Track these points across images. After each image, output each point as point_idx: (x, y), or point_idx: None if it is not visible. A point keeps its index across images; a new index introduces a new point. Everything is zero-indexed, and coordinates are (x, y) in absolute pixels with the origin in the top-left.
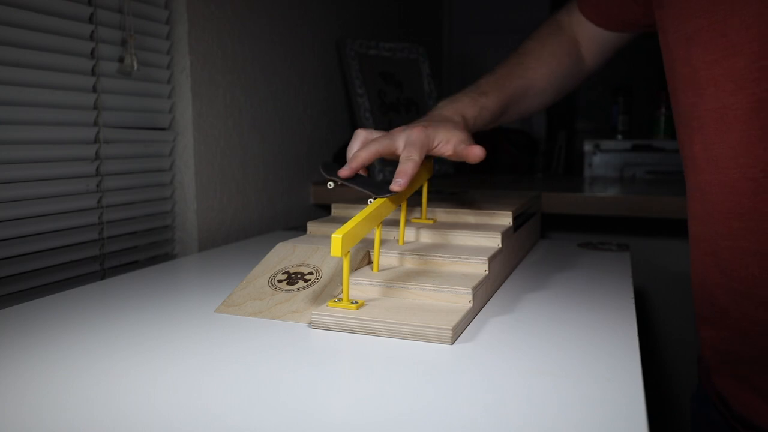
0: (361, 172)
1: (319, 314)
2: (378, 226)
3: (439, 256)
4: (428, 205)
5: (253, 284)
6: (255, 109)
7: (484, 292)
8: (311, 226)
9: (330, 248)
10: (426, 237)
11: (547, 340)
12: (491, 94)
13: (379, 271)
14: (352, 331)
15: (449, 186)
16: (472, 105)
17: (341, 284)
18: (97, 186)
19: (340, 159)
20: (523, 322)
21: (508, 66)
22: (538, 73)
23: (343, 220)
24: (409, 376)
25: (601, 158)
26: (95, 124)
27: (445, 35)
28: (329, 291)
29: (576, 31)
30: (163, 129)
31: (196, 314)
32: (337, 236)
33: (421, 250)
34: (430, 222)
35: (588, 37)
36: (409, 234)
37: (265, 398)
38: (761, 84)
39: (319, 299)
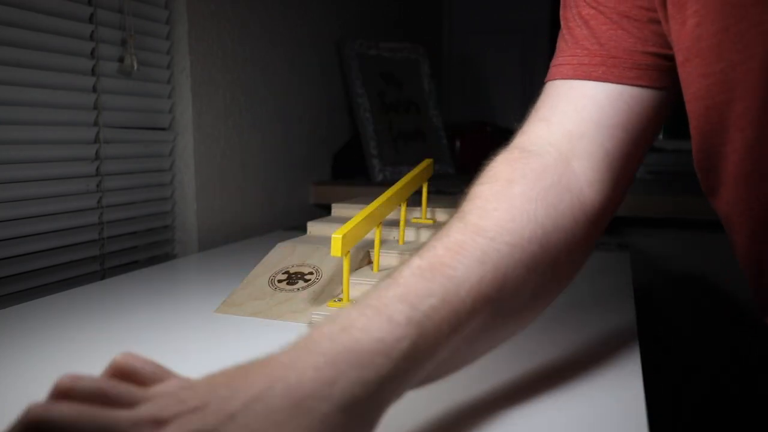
0: None
1: (319, 314)
2: (378, 226)
3: None
4: (428, 205)
5: (253, 284)
6: (255, 109)
7: None
8: (311, 226)
9: (330, 248)
10: (426, 237)
11: (546, 340)
12: (434, 309)
13: (379, 271)
14: None
15: (449, 186)
16: (385, 351)
17: (341, 284)
18: (97, 186)
19: (340, 159)
20: None
21: (448, 244)
22: (507, 246)
23: (343, 220)
24: None
25: None
26: (95, 124)
27: (445, 35)
28: (329, 291)
29: (557, 137)
30: (163, 129)
31: (196, 314)
32: (337, 236)
33: None
34: (430, 222)
35: (584, 128)
36: (409, 234)
37: None
38: None
39: (319, 299)
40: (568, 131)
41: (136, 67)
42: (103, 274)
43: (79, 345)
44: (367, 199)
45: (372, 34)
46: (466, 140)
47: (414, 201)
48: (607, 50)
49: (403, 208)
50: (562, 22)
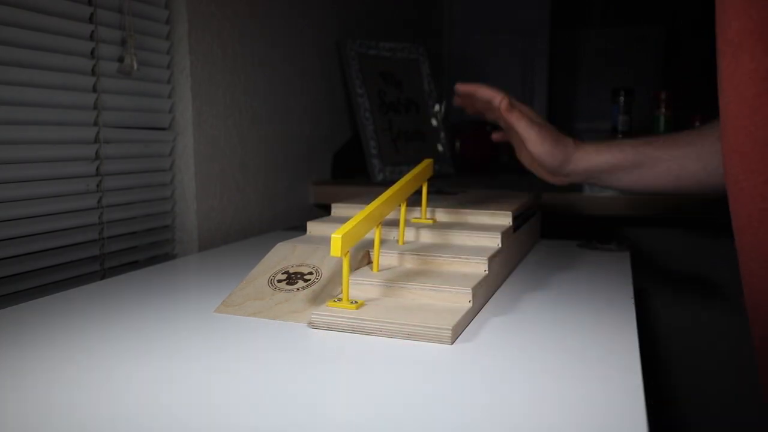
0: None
1: (318, 314)
2: (378, 226)
3: (439, 256)
4: (428, 205)
5: (252, 284)
6: (255, 109)
7: (484, 292)
8: (311, 226)
9: (330, 248)
10: (426, 237)
11: (547, 340)
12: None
13: (378, 271)
14: (352, 331)
15: (449, 186)
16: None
17: (341, 284)
18: (97, 186)
19: (340, 159)
20: (523, 322)
21: None
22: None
23: (343, 220)
24: (409, 376)
25: None
26: (95, 124)
27: (445, 35)
28: (329, 291)
29: None
30: (163, 129)
31: (195, 314)
32: (337, 236)
33: (421, 250)
34: (430, 222)
35: None
36: (409, 234)
37: (265, 398)
38: None
39: (318, 299)
40: None
41: (136, 67)
42: (103, 274)
43: (79, 345)
44: (367, 199)
45: (372, 34)
46: (466, 140)
47: (414, 201)
48: None
49: (403, 208)
50: None
